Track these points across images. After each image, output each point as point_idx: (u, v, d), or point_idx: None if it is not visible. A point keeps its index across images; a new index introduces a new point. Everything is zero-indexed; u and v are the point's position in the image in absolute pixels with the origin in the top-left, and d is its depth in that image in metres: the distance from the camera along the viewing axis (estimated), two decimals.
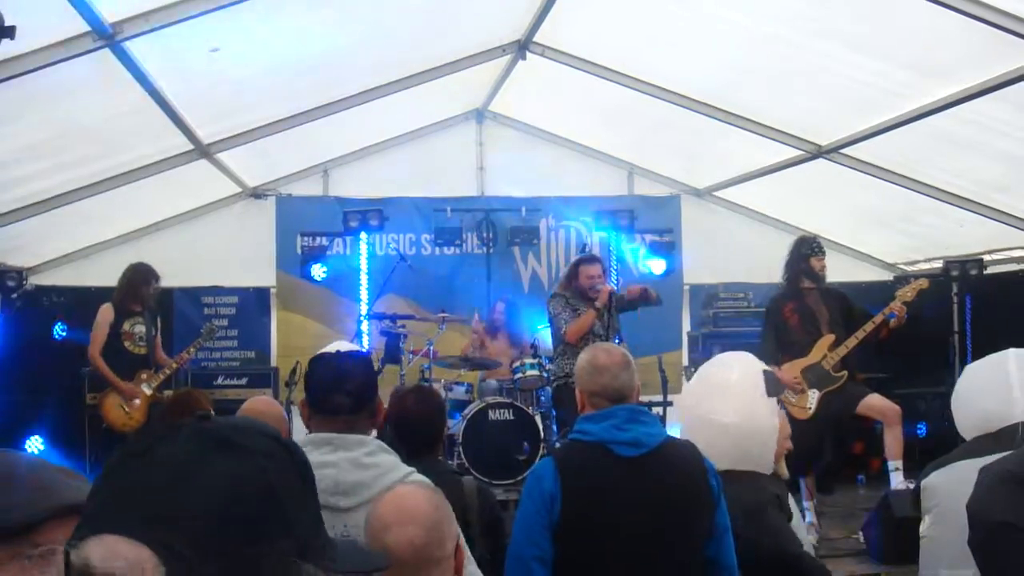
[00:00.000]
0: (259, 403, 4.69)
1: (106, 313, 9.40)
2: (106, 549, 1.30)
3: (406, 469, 3.45)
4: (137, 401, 9.34)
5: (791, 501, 4.29)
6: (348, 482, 3.26)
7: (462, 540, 2.89)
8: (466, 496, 4.33)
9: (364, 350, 10.30)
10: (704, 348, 11.57)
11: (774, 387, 4.25)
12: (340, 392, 3.47)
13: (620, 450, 3.72)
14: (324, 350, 3.82)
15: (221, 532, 1.38)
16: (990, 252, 11.26)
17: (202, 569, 1.34)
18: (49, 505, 1.80)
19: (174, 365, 9.71)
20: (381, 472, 3.35)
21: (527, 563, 3.65)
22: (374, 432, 3.82)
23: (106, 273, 11.38)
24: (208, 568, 1.35)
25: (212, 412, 1.57)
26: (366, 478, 3.30)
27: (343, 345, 4.05)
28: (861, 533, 7.76)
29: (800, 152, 10.41)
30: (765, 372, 4.31)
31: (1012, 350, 3.77)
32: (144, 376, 9.47)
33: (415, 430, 4.65)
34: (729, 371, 4.33)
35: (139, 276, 9.53)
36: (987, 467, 3.11)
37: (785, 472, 4.40)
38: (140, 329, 9.52)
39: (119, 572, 1.28)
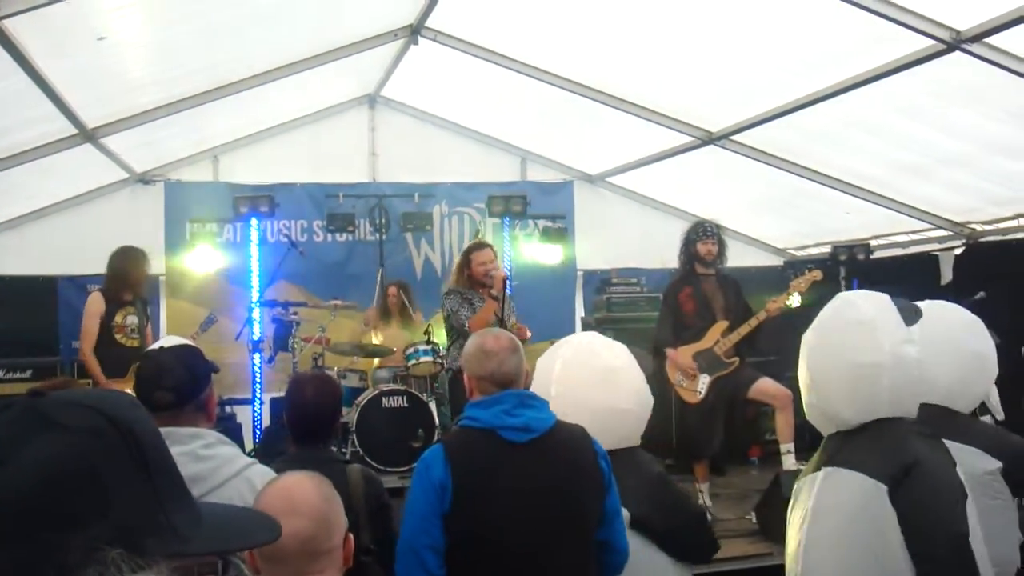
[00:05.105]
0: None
1: (96, 303, 8.80)
2: None
3: (246, 460, 3.44)
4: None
5: None
6: (184, 476, 3.20)
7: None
8: (351, 484, 4.30)
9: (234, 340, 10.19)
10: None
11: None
12: (160, 388, 3.46)
13: (510, 436, 3.70)
14: (151, 347, 3.78)
15: (26, 518, 1.33)
16: (876, 237, 11.50)
17: None
18: None
19: None
20: (219, 464, 3.32)
21: (419, 552, 3.61)
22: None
23: None
24: (3, 555, 1.31)
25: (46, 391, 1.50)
26: (203, 471, 3.27)
27: (171, 340, 4.03)
28: (754, 513, 7.89)
29: (691, 138, 10.51)
30: (632, 349, 4.44)
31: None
32: None
33: (311, 419, 4.62)
34: (613, 358, 4.40)
35: (129, 261, 8.94)
36: None
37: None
38: (133, 320, 8.91)
39: None
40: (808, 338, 3.35)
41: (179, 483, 1.57)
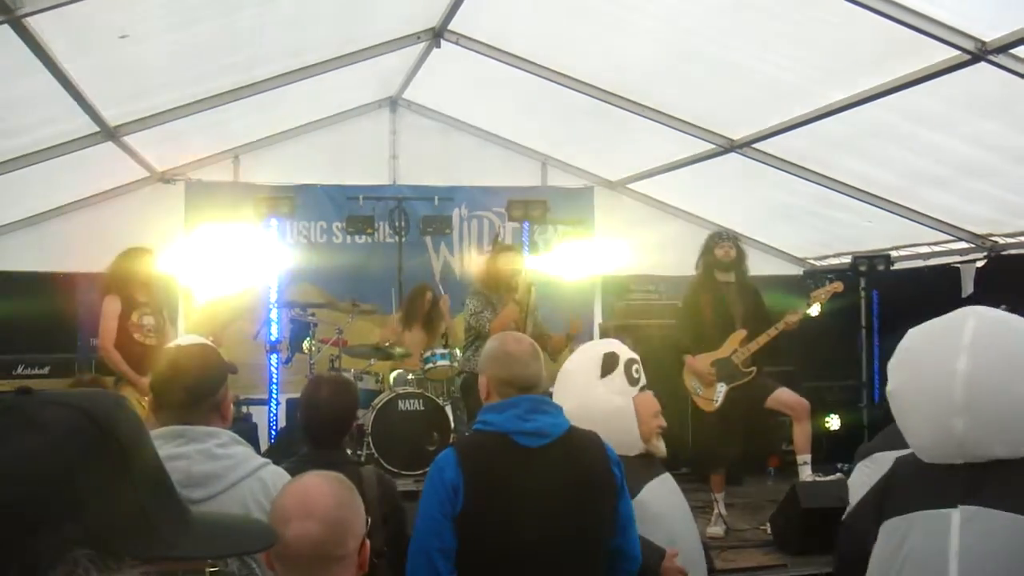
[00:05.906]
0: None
1: (112, 304, 8.76)
2: None
3: (260, 460, 3.45)
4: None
5: (659, 482, 4.41)
6: (199, 473, 3.24)
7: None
8: (364, 485, 4.28)
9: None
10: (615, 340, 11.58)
11: (609, 366, 4.42)
12: (174, 386, 3.49)
13: (523, 440, 3.69)
14: (169, 344, 3.81)
15: None
16: (897, 248, 11.44)
17: None
18: None
19: None
20: (234, 463, 3.34)
21: (430, 555, 3.60)
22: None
23: (8, 257, 11.15)
24: None
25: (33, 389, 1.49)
26: (218, 469, 3.28)
27: (188, 339, 4.05)
28: (769, 524, 7.85)
29: (712, 146, 10.45)
30: (605, 354, 4.47)
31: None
32: None
33: (324, 421, 4.64)
34: (570, 360, 4.61)
35: (127, 261, 8.87)
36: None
37: (660, 450, 4.52)
38: (149, 320, 8.84)
39: None
40: (949, 356, 3.00)
41: (166, 486, 1.54)
